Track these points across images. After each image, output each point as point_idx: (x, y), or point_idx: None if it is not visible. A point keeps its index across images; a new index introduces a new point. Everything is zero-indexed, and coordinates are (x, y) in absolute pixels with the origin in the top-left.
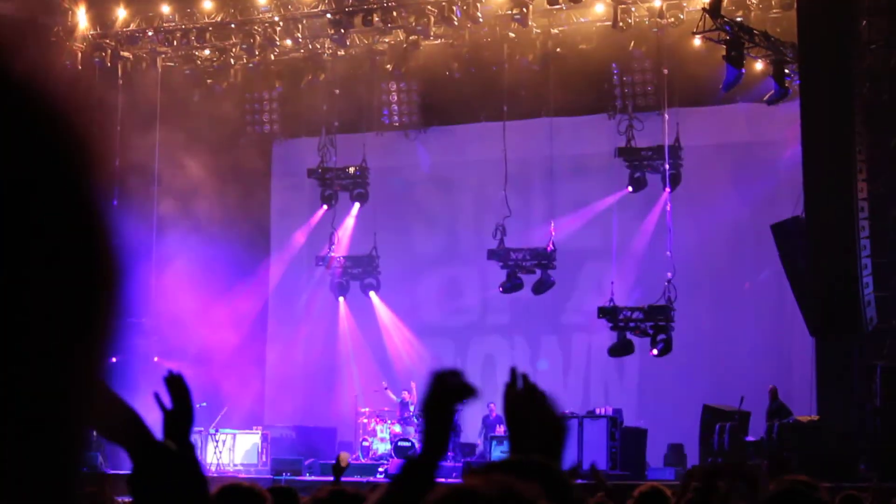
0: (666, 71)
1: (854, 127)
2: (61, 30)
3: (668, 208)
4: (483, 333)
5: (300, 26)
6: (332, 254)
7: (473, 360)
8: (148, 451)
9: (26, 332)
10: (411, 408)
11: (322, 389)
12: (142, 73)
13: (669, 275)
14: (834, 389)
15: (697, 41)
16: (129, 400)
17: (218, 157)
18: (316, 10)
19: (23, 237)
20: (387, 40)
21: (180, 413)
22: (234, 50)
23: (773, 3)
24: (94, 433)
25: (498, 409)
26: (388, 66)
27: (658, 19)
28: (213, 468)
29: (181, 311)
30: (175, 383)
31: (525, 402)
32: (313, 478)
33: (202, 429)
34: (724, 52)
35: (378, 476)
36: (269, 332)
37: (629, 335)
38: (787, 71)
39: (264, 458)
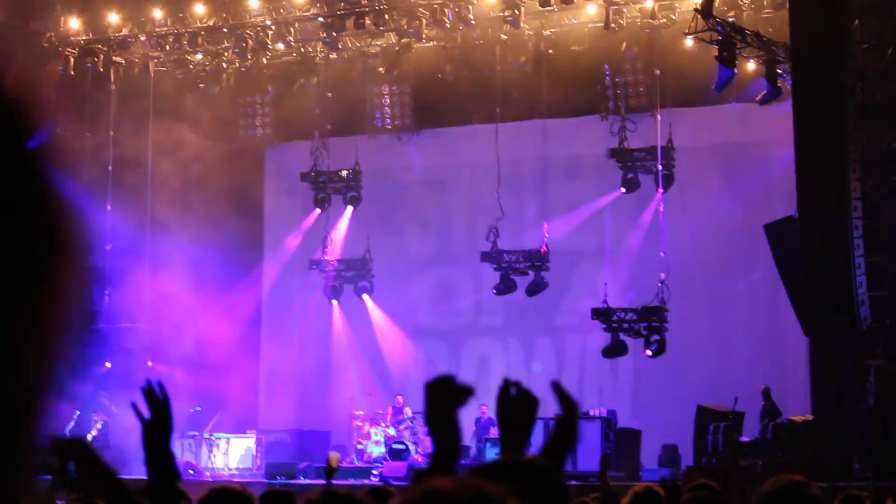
0: (658, 72)
1: (847, 126)
2: (53, 35)
3: (661, 209)
4: (477, 335)
5: (292, 30)
6: (326, 257)
7: (467, 362)
8: None
9: None
10: (406, 410)
11: (316, 393)
12: (134, 78)
13: (663, 275)
14: (828, 389)
15: (689, 42)
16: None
17: (211, 162)
18: (308, 13)
19: None
20: (379, 43)
21: (158, 423)
22: (226, 54)
23: (764, 3)
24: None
25: (490, 411)
26: (381, 68)
27: (650, 20)
28: (207, 473)
29: (175, 315)
30: (152, 393)
31: (517, 404)
32: (308, 481)
33: (196, 433)
34: (716, 53)
35: (372, 479)
36: (262, 336)
37: (623, 336)
38: (779, 71)
39: (259, 462)
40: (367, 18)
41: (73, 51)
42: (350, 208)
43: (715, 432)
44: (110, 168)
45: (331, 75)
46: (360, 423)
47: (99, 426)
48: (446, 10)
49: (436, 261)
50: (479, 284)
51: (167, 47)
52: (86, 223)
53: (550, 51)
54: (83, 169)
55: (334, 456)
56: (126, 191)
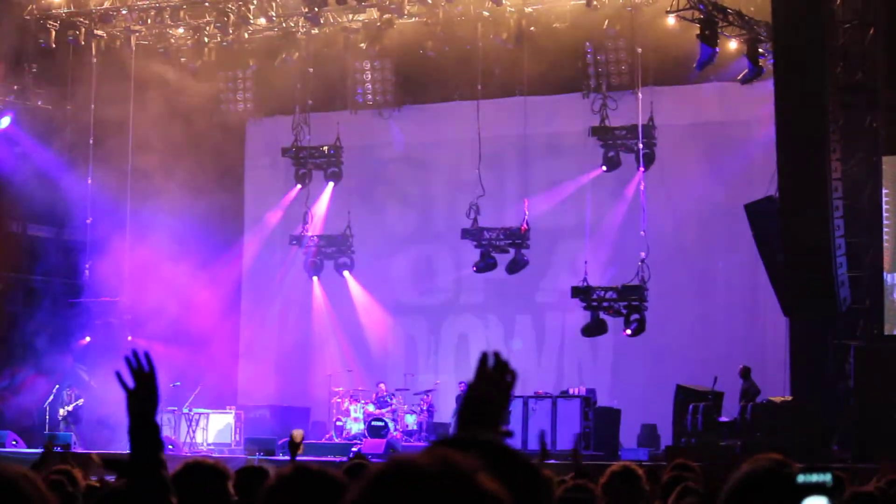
0: (640, 50)
1: (828, 106)
2: (35, 8)
3: (642, 187)
4: (457, 313)
5: (274, 4)
6: (306, 233)
7: (447, 339)
8: None
9: None
10: (389, 399)
11: (296, 369)
12: (115, 52)
13: (643, 254)
14: (807, 370)
15: (671, 20)
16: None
17: (192, 136)
18: None
19: None
20: (361, 18)
21: (143, 393)
22: (207, 28)
23: None
24: None
25: (459, 388)
26: (362, 44)
27: None
28: (186, 448)
29: (155, 289)
30: (138, 364)
31: (493, 377)
32: (287, 457)
33: (175, 408)
34: (697, 31)
35: (351, 455)
36: (242, 312)
37: (602, 315)
38: (760, 50)
39: (237, 438)
40: None
41: (55, 24)
42: (331, 184)
43: (694, 412)
44: (91, 141)
45: (312, 50)
46: (339, 400)
47: (71, 406)
48: None
49: (416, 238)
50: (460, 262)
51: (148, 21)
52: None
53: (532, 28)
54: (64, 142)
55: (298, 433)
56: (107, 165)
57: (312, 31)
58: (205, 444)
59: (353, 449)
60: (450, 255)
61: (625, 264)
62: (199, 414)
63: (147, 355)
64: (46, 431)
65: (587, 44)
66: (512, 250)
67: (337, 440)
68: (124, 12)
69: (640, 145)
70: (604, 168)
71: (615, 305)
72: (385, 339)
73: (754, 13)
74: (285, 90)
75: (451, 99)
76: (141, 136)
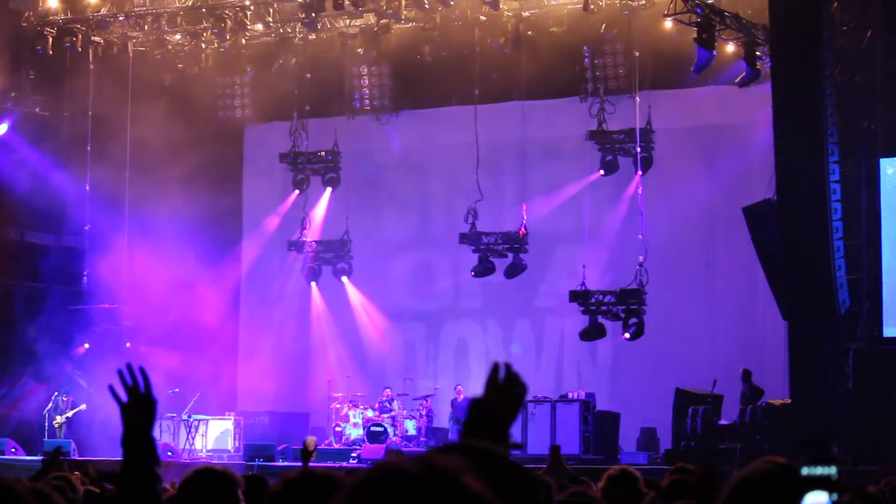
0: (637, 54)
1: (826, 109)
2: (32, 15)
3: (640, 191)
4: (455, 317)
5: (271, 10)
6: (305, 238)
7: (446, 344)
8: None
9: None
10: (391, 404)
11: (295, 375)
12: (113, 58)
13: (641, 258)
14: (807, 372)
15: (668, 24)
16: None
17: (189, 142)
18: None
19: None
20: (358, 24)
21: (137, 407)
22: (205, 34)
23: None
24: None
25: (468, 392)
26: (360, 49)
27: (629, 2)
28: (185, 455)
29: (154, 296)
30: (133, 381)
31: (504, 389)
32: (286, 463)
33: (174, 414)
34: (695, 35)
35: (351, 461)
36: (241, 318)
37: (601, 319)
38: (758, 53)
39: (237, 444)
40: None
41: (52, 30)
42: (329, 189)
43: (693, 415)
44: (88, 148)
45: (310, 56)
46: (338, 406)
47: (70, 413)
48: None
49: (414, 243)
50: (458, 266)
51: (146, 27)
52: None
53: (529, 32)
54: (62, 149)
55: (311, 440)
56: (105, 171)
57: (310, 37)
58: (204, 450)
59: (353, 455)
60: (448, 260)
61: (623, 268)
62: (199, 420)
63: (142, 370)
64: (46, 438)
65: (584, 48)
66: (510, 255)
67: (336, 446)
68: (121, 18)
69: (638, 149)
70: (602, 172)
71: (614, 309)
72: (384, 345)
73: (751, 16)
74: (283, 96)
75: (448, 103)
76: (139, 142)
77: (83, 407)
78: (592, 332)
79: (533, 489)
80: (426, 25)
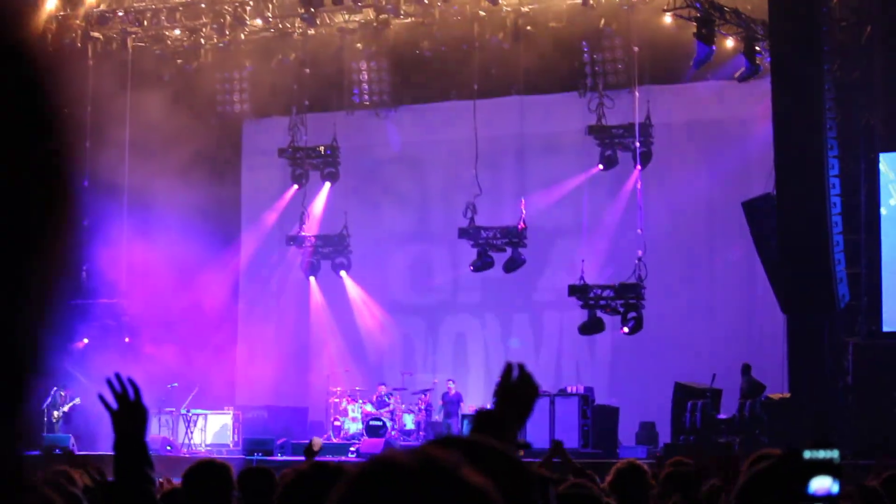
0: (636, 48)
1: (825, 104)
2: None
3: (639, 186)
4: (454, 312)
5: (270, 6)
6: (303, 233)
7: (444, 338)
8: None
9: None
10: (387, 399)
11: (294, 369)
12: (112, 54)
13: (640, 252)
14: (806, 367)
15: (668, 18)
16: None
17: (188, 137)
18: None
19: None
20: (357, 19)
21: (127, 414)
22: (204, 30)
23: None
24: None
25: (458, 387)
26: (359, 44)
27: None
28: (184, 449)
29: (152, 290)
30: (121, 387)
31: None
32: (285, 458)
33: (173, 409)
34: (694, 30)
35: (350, 455)
36: (240, 312)
37: (600, 313)
38: (757, 48)
39: (236, 439)
40: None
41: (51, 26)
42: (327, 184)
43: (693, 409)
44: (87, 144)
45: (308, 51)
46: (337, 400)
47: (66, 407)
48: None
49: (413, 237)
50: (457, 261)
51: (145, 22)
52: None
53: (528, 27)
54: (60, 144)
55: (317, 441)
56: (103, 167)
57: (308, 32)
58: (203, 444)
59: (352, 449)
60: (447, 255)
61: (622, 262)
62: (197, 414)
63: (131, 380)
64: (44, 433)
65: (583, 42)
66: (509, 249)
67: (335, 440)
68: (120, 14)
69: (637, 144)
70: (601, 167)
71: (612, 304)
72: (382, 339)
73: (751, 11)
74: (282, 91)
75: (447, 98)
76: (137, 137)
77: (77, 401)
78: (591, 327)
79: (530, 483)
80: (425, 20)
